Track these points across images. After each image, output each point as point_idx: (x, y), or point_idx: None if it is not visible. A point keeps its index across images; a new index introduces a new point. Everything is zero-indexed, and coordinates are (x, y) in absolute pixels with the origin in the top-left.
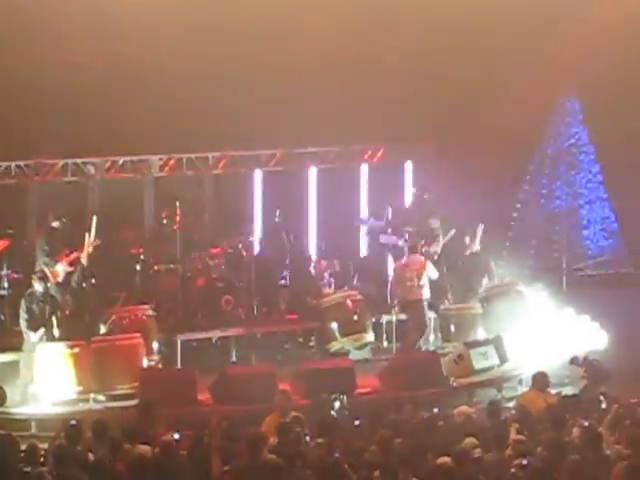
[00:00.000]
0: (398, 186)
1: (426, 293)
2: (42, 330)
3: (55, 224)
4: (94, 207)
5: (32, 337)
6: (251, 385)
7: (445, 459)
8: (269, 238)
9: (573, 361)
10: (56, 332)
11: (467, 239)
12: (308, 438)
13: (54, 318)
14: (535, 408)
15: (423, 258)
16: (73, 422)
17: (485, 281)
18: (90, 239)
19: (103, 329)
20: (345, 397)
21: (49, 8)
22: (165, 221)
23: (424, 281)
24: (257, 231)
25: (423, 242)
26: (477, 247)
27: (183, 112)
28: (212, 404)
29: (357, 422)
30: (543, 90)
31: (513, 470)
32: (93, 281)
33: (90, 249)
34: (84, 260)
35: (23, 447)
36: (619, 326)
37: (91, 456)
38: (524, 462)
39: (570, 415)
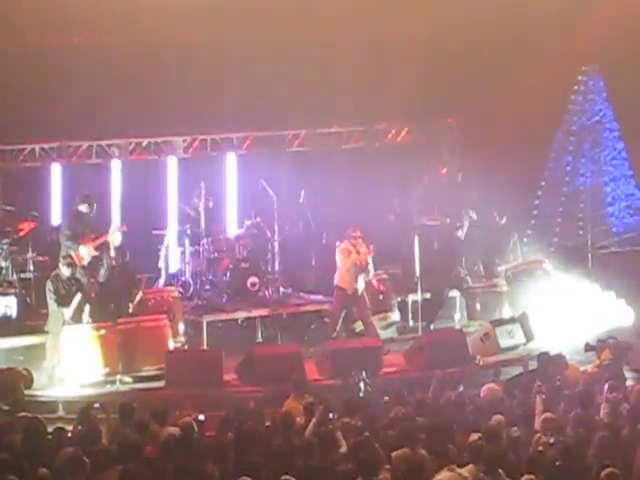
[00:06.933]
0: (423, 166)
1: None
2: (77, 297)
3: (83, 208)
4: (118, 189)
5: (66, 313)
6: (277, 365)
7: (474, 437)
8: (294, 219)
9: (587, 348)
10: (86, 315)
11: (495, 215)
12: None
13: (81, 301)
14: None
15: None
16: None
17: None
18: (117, 225)
19: (131, 310)
20: (367, 375)
21: None
22: (189, 202)
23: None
24: (282, 212)
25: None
26: (461, 233)
27: (207, 93)
28: (238, 385)
29: (386, 398)
30: (567, 67)
31: (541, 448)
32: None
33: (118, 237)
34: (112, 253)
35: (50, 429)
36: None
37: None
38: (551, 440)
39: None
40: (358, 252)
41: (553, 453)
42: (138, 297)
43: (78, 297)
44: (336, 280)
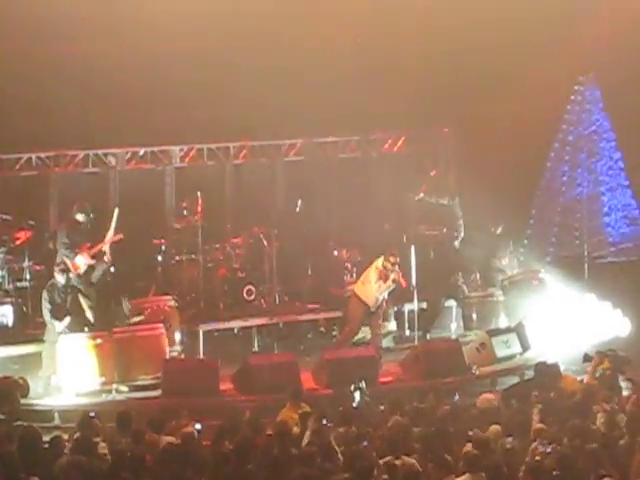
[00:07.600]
0: (420, 175)
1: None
2: (68, 319)
3: (80, 217)
4: (115, 198)
5: (58, 326)
6: (273, 375)
7: (469, 446)
8: (290, 228)
9: (586, 358)
10: (82, 323)
11: (491, 225)
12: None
13: (81, 308)
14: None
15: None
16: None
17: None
18: (112, 234)
19: (135, 319)
20: (365, 385)
21: (71, 2)
22: (186, 212)
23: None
24: (278, 221)
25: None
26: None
27: (204, 102)
28: (234, 394)
29: (382, 407)
30: (563, 77)
31: (537, 458)
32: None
33: (108, 246)
34: (107, 255)
35: (46, 438)
36: None
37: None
38: (548, 450)
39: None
40: (394, 280)
41: (550, 463)
42: (137, 318)
43: (68, 319)
44: (360, 293)
